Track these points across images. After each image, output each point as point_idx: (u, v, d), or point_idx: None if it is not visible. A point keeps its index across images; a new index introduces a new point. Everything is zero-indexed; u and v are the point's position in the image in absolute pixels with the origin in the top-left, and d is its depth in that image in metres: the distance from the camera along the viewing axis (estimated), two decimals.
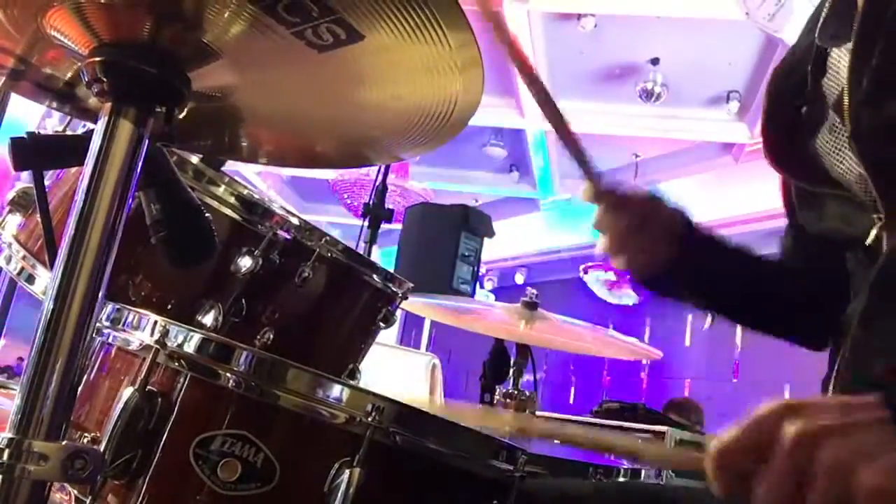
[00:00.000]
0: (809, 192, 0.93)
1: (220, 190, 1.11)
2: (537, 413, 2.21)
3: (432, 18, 0.60)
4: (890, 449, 0.52)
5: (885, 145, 0.76)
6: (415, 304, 1.91)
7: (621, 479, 1.50)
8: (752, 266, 1.11)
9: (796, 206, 0.97)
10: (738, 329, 4.82)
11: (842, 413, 0.55)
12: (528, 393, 2.00)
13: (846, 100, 0.79)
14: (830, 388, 0.85)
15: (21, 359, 3.76)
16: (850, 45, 0.83)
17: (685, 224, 1.04)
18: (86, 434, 0.86)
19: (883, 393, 0.56)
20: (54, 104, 0.88)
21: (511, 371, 2.03)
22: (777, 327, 1.13)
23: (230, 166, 1.15)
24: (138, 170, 0.70)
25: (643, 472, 1.61)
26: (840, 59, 0.89)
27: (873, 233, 0.81)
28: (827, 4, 0.92)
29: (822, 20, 0.91)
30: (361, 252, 1.92)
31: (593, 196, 1.01)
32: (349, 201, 6.31)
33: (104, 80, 0.68)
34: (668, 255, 1.02)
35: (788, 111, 0.94)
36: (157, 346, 0.82)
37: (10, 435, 0.63)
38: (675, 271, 1.04)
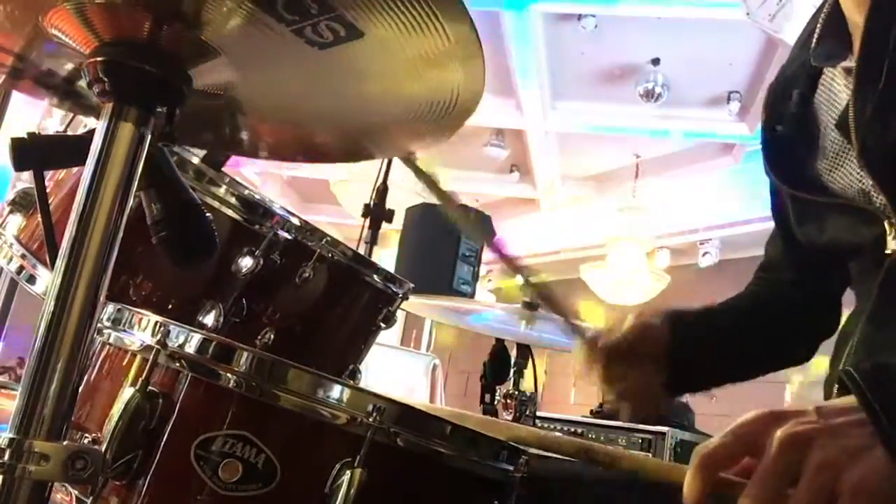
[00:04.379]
0: (809, 205, 0.94)
1: (221, 190, 1.11)
2: (537, 413, 2.21)
3: (430, 11, 0.60)
4: (872, 449, 0.54)
5: (894, 162, 0.79)
6: (415, 304, 1.91)
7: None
8: (744, 325, 1.13)
9: (795, 223, 0.98)
10: None
11: (825, 418, 0.57)
12: (528, 393, 2.00)
13: (851, 120, 0.81)
14: (834, 389, 0.86)
15: (21, 359, 3.76)
16: (844, 64, 0.84)
17: (669, 332, 1.06)
18: (87, 434, 0.85)
19: (861, 394, 0.58)
20: (55, 101, 0.88)
21: (511, 371, 2.03)
22: (780, 362, 1.15)
23: (231, 167, 1.15)
24: (139, 170, 0.70)
25: None
26: (834, 77, 0.90)
27: (892, 243, 0.83)
28: (819, 23, 0.93)
29: (815, 40, 0.92)
30: (362, 252, 1.92)
31: (589, 356, 1.04)
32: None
33: (105, 79, 0.68)
34: (664, 380, 1.04)
35: (783, 126, 0.96)
36: (158, 347, 0.82)
37: (10, 435, 0.63)
38: (677, 379, 1.06)
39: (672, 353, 1.04)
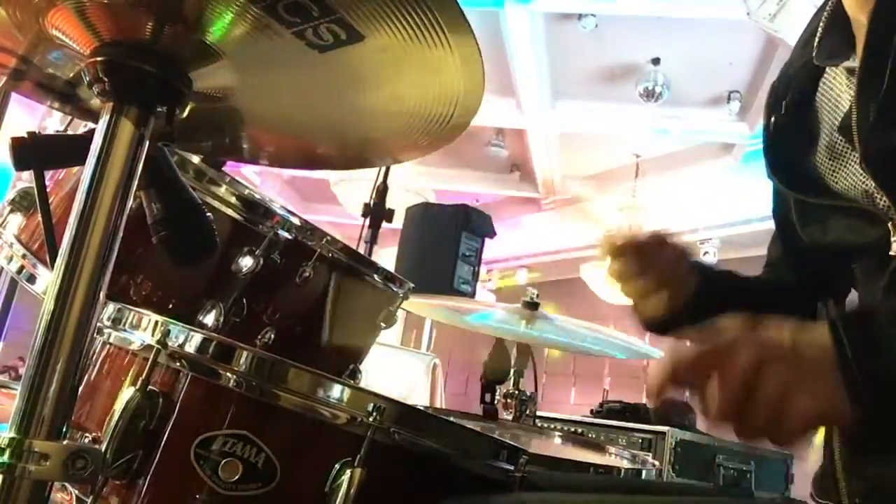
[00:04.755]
0: (811, 206, 0.94)
1: (221, 190, 1.11)
2: (537, 413, 2.21)
3: (433, 19, 0.60)
4: (825, 381, 0.60)
5: None
6: (416, 304, 1.91)
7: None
8: (760, 292, 1.13)
9: (798, 224, 0.98)
10: None
11: (793, 343, 0.62)
12: (528, 393, 2.00)
13: (854, 123, 0.81)
14: None
15: (21, 358, 3.76)
16: (847, 64, 0.84)
17: (691, 265, 1.06)
18: (87, 434, 0.86)
19: (832, 331, 0.63)
20: (56, 104, 0.88)
21: (511, 371, 2.03)
22: None
23: (231, 167, 1.15)
24: (139, 169, 0.70)
25: (643, 471, 1.61)
26: (836, 76, 0.90)
27: (895, 242, 0.83)
28: (822, 23, 0.93)
29: (818, 39, 0.92)
30: (362, 252, 1.92)
31: (610, 251, 1.05)
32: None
33: (105, 79, 0.68)
34: (675, 298, 1.04)
35: (785, 127, 0.95)
36: (158, 346, 0.82)
37: (11, 434, 0.63)
38: (683, 314, 1.05)
39: (689, 281, 1.04)
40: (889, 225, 0.83)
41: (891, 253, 0.84)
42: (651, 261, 1.03)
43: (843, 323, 0.63)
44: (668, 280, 1.03)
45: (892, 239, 0.83)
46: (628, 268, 1.05)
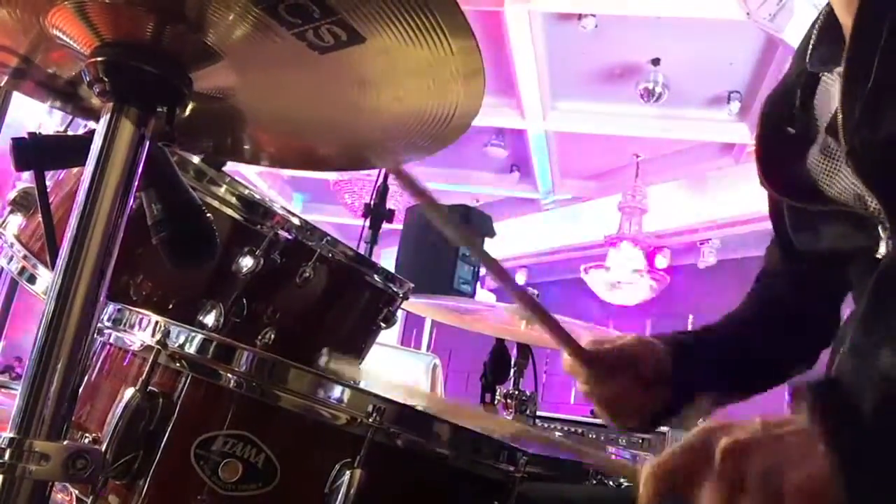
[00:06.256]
0: (804, 213, 0.94)
1: (222, 190, 1.11)
2: (537, 413, 2.21)
3: (433, 21, 0.60)
4: (812, 453, 0.56)
5: (883, 164, 0.78)
6: (416, 304, 1.91)
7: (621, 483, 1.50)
8: (745, 336, 1.11)
9: (791, 230, 0.98)
10: None
11: (766, 428, 0.59)
12: (528, 393, 2.00)
13: (840, 123, 0.80)
14: None
15: (18, 358, 3.75)
16: (840, 69, 0.84)
17: (670, 354, 1.03)
18: (87, 434, 0.86)
19: (808, 396, 0.60)
20: (57, 103, 0.88)
21: (512, 371, 2.03)
22: (782, 372, 1.13)
23: (231, 166, 1.15)
24: (140, 170, 0.70)
25: None
26: (832, 83, 0.90)
27: (882, 246, 0.82)
28: (815, 30, 0.93)
29: (811, 46, 0.92)
30: (362, 252, 1.92)
31: (576, 367, 1.00)
32: (350, 201, 6.32)
33: (106, 79, 0.68)
34: (663, 397, 1.02)
35: (779, 133, 0.95)
36: (159, 347, 0.82)
37: (11, 435, 0.63)
38: (677, 402, 1.03)
39: (673, 376, 1.02)
40: (879, 228, 0.82)
41: (877, 256, 0.83)
42: (621, 369, 1.00)
43: (815, 399, 0.59)
44: (641, 389, 1.01)
45: (882, 242, 0.83)
46: (609, 391, 1.01)
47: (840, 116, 0.80)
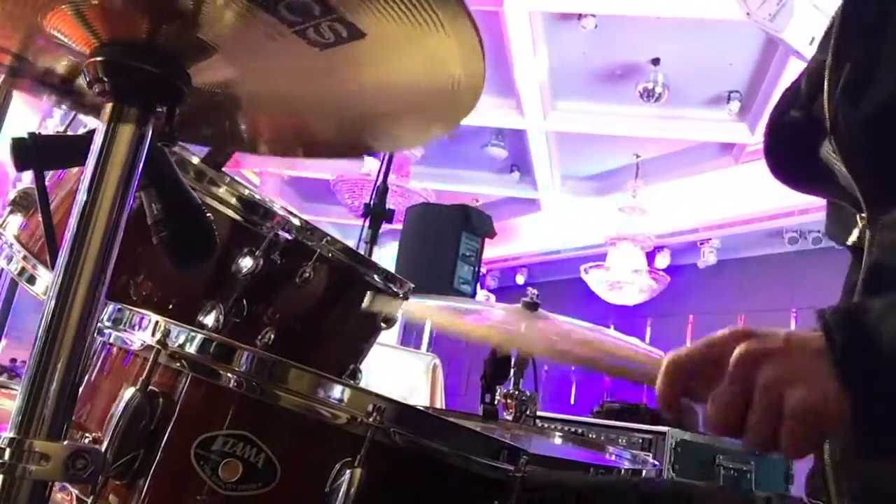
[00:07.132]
0: (829, 204, 0.94)
1: (221, 190, 1.11)
2: (538, 413, 2.20)
3: (433, 12, 0.60)
4: (820, 372, 0.58)
5: (864, 143, 0.78)
6: (415, 304, 1.90)
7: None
8: None
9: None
10: None
11: (787, 341, 0.61)
12: (528, 393, 1.99)
13: (825, 101, 0.80)
14: None
15: (14, 360, 3.74)
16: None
17: None
18: (87, 434, 0.85)
19: (824, 323, 0.61)
20: (54, 99, 0.88)
21: (512, 371, 2.03)
22: None
23: (231, 166, 1.15)
24: (139, 169, 0.70)
25: (644, 471, 1.61)
26: None
27: (855, 232, 0.83)
28: (830, 22, 0.93)
29: (822, 37, 0.92)
30: (362, 252, 1.92)
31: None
32: (350, 201, 6.32)
33: (105, 79, 0.68)
34: None
35: (791, 123, 0.95)
36: (159, 347, 0.82)
37: (11, 435, 0.63)
38: None
39: None
40: (857, 216, 0.82)
41: (848, 243, 0.84)
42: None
43: (833, 320, 0.61)
44: None
45: (855, 230, 0.83)
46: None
47: (826, 92, 0.81)
